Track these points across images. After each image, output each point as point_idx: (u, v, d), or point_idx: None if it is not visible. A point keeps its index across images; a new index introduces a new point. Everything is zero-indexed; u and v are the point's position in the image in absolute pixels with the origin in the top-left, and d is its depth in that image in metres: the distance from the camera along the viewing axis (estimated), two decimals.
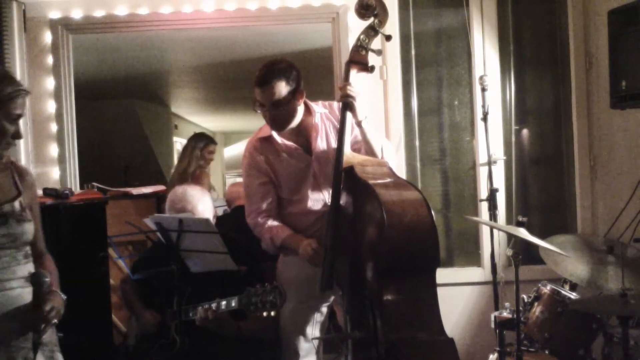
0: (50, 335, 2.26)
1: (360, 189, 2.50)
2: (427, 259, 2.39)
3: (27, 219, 2.23)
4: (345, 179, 2.60)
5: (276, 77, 2.68)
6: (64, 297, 2.24)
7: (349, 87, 2.62)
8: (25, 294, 2.18)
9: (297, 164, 2.84)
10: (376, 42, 2.73)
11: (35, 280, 2.12)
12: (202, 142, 5.14)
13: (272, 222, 2.83)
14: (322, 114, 2.85)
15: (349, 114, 2.66)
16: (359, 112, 2.64)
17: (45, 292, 2.13)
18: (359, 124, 2.67)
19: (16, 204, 2.21)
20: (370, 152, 2.73)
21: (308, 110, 2.85)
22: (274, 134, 2.82)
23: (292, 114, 2.75)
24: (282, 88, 2.68)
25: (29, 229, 2.24)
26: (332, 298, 2.88)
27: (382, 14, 2.68)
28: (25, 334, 2.14)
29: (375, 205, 2.36)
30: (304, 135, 2.84)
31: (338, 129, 2.69)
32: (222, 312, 2.70)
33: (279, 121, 2.75)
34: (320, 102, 2.90)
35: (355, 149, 2.78)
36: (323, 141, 2.83)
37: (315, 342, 2.84)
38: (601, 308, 2.74)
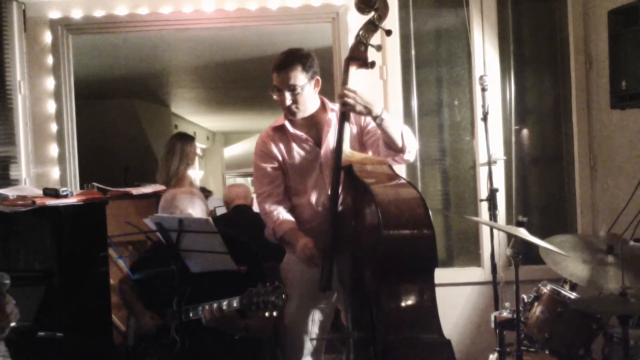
0: None
1: (358, 189, 2.50)
2: (425, 259, 2.37)
3: None
4: (345, 178, 2.61)
5: (293, 63, 2.74)
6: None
7: (346, 91, 2.60)
8: None
9: (305, 154, 2.88)
10: (376, 38, 2.71)
11: None
12: (188, 141, 5.16)
13: (278, 213, 2.87)
14: (337, 112, 2.86)
15: (347, 115, 2.67)
16: (375, 109, 2.58)
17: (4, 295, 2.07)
18: (374, 119, 2.62)
19: None
20: (390, 142, 2.67)
21: (323, 106, 2.89)
22: (287, 124, 2.87)
23: (306, 101, 2.79)
24: (299, 73, 2.74)
25: None
26: (334, 297, 2.88)
27: (382, 9, 2.66)
28: None
29: (372, 205, 2.35)
30: (316, 128, 2.89)
31: (337, 128, 2.70)
32: (230, 311, 2.70)
33: (294, 107, 2.78)
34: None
35: (370, 142, 2.79)
36: (334, 136, 2.83)
37: (314, 341, 2.85)
38: (601, 308, 2.74)
